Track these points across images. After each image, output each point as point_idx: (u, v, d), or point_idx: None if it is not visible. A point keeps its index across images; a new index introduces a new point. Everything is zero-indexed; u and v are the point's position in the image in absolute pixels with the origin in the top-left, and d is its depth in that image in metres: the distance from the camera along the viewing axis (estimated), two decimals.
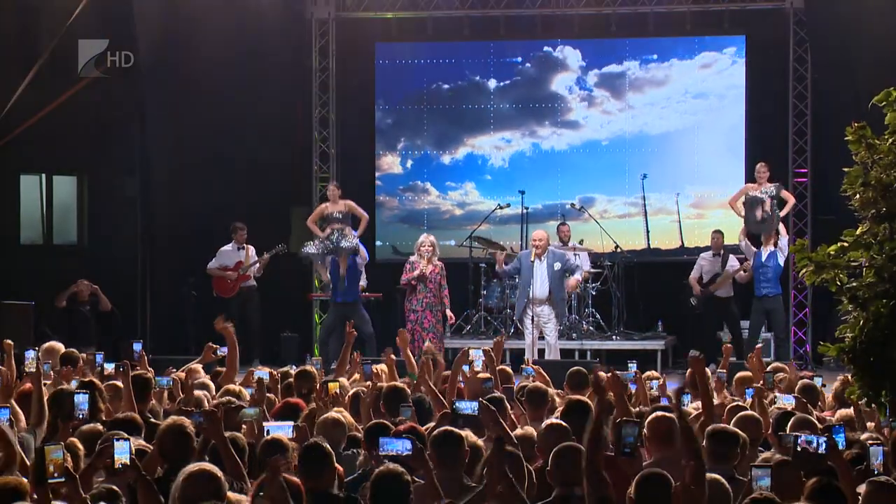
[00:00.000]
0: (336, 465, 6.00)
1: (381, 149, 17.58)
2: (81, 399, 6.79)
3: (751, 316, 15.06)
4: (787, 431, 6.55)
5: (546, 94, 17.30)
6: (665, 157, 17.05)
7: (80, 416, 6.74)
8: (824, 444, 5.63)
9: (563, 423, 6.52)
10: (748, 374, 9.50)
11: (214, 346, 9.86)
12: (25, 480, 5.37)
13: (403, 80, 17.58)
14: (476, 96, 17.44)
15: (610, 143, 17.19)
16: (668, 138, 17.08)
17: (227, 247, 15.82)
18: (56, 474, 5.06)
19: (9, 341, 9.11)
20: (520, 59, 17.38)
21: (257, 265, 15.68)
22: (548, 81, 17.34)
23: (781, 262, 14.84)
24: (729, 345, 11.21)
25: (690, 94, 17.07)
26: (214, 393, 8.51)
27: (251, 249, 15.77)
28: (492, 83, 17.41)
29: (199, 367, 9.72)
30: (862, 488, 5.52)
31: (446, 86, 17.45)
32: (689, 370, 8.15)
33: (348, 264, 14.86)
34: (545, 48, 17.30)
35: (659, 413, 6.56)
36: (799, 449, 5.67)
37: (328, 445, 5.92)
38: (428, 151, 17.56)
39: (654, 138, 17.10)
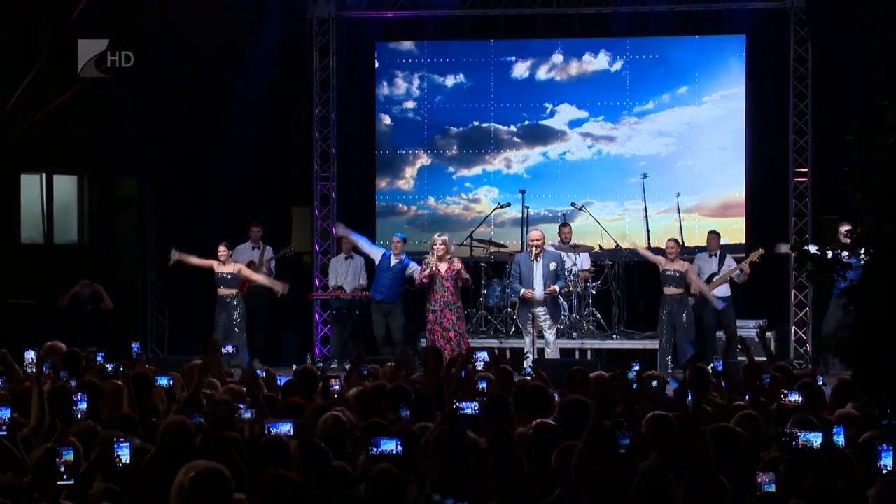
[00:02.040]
0: (340, 463, 6.00)
1: (382, 149, 17.53)
2: (81, 399, 6.78)
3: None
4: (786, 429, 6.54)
5: (548, 129, 17.34)
6: (666, 159, 17.05)
7: (80, 417, 6.73)
8: (820, 441, 5.62)
9: (552, 423, 6.49)
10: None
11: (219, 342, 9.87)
12: (22, 480, 5.34)
13: (404, 79, 17.54)
14: (481, 118, 17.47)
15: (612, 152, 17.18)
16: (668, 139, 17.05)
17: (243, 245, 15.87)
18: (65, 476, 5.04)
19: (3, 350, 9.08)
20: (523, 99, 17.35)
21: (263, 268, 15.71)
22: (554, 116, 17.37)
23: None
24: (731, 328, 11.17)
25: (691, 94, 17.05)
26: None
27: (268, 249, 15.83)
28: (498, 126, 17.38)
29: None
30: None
31: (448, 91, 17.44)
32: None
33: (398, 266, 14.96)
34: (545, 104, 17.32)
35: (658, 413, 6.56)
36: (795, 446, 5.67)
37: (325, 446, 5.92)
38: (430, 157, 17.51)
39: (654, 140, 17.08)
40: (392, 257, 15.14)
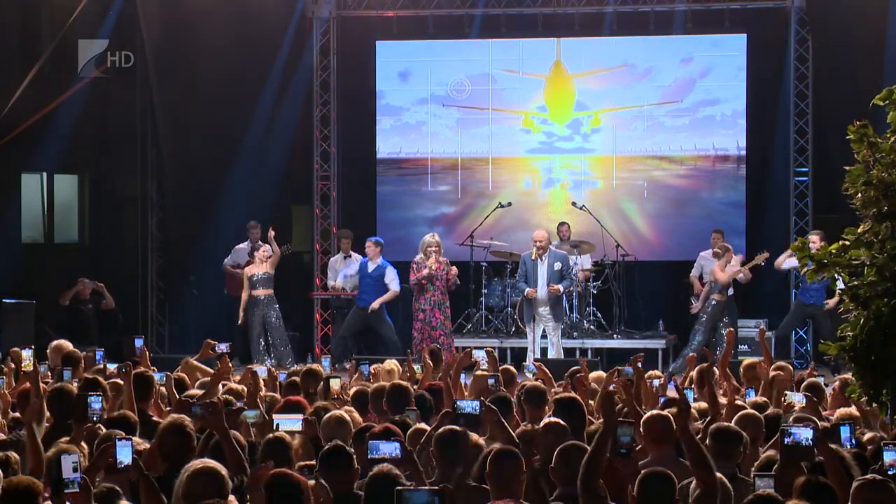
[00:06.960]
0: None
1: (382, 148, 17.50)
2: (95, 400, 6.71)
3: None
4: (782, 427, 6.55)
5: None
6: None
7: (95, 419, 6.67)
8: (811, 437, 5.61)
9: (562, 422, 6.51)
10: (755, 360, 9.59)
11: (213, 342, 9.85)
12: (38, 481, 5.29)
13: (404, 79, 17.53)
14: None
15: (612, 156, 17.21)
16: (668, 139, 17.04)
17: (242, 245, 15.86)
18: (72, 483, 5.00)
19: (15, 349, 9.07)
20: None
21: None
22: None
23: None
24: (731, 330, 11.20)
25: (690, 93, 17.03)
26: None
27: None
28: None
29: (196, 363, 9.75)
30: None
31: (447, 89, 17.40)
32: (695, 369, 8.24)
33: (376, 272, 14.79)
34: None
35: (654, 413, 6.58)
36: (787, 443, 5.66)
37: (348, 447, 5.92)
38: (429, 157, 17.48)
39: (654, 140, 17.07)
40: (369, 262, 14.99)
